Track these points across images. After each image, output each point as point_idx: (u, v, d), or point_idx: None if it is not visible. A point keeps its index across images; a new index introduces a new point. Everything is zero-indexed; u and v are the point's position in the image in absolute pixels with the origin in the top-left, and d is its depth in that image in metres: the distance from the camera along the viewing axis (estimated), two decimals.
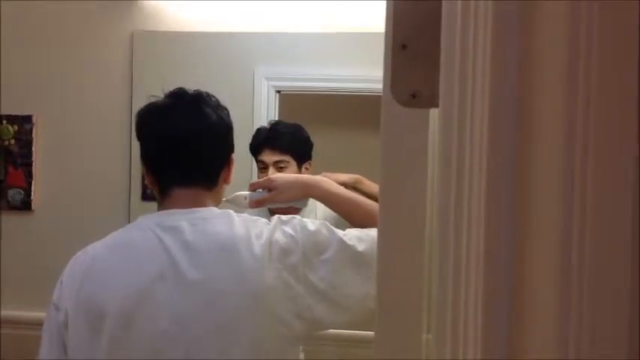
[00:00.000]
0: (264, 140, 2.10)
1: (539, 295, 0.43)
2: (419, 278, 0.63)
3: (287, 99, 2.25)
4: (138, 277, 1.22)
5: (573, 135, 0.37)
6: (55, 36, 2.23)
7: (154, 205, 2.22)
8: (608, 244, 0.39)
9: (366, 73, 1.99)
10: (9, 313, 2.18)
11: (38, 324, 2.15)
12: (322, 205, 1.86)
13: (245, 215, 1.32)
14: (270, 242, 1.23)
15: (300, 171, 2.12)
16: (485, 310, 0.45)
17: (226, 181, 1.40)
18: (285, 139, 2.11)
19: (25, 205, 2.22)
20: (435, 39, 0.45)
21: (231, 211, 1.32)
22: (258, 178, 2.09)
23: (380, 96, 0.61)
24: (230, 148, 1.40)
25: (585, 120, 0.35)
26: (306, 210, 2.14)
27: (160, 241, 1.24)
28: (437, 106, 0.45)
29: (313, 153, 2.23)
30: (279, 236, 1.25)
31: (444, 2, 0.45)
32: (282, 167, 2.09)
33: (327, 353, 1.93)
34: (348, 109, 2.32)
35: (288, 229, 1.27)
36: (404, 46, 0.51)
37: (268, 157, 2.10)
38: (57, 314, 1.30)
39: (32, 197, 2.22)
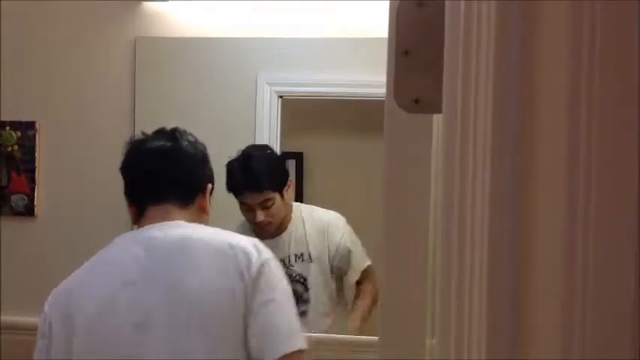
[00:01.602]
0: (243, 185, 2.06)
1: (544, 300, 0.43)
2: (423, 283, 0.63)
3: (289, 104, 2.25)
4: (103, 288, 1.33)
5: (576, 140, 0.37)
6: (58, 42, 2.23)
7: None
8: (612, 246, 0.39)
9: (369, 78, 2.00)
10: (11, 318, 2.18)
11: (34, 329, 2.16)
12: (308, 214, 2.00)
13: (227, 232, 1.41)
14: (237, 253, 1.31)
15: (283, 197, 2.10)
16: (490, 315, 0.45)
17: (204, 209, 1.48)
18: (264, 180, 2.07)
19: (28, 211, 2.22)
20: (438, 45, 0.45)
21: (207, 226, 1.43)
22: (245, 216, 2.08)
23: (382, 101, 0.61)
24: (205, 177, 1.49)
25: (588, 127, 0.35)
26: (293, 220, 2.15)
27: (129, 252, 1.36)
28: (440, 111, 0.45)
29: (314, 159, 2.23)
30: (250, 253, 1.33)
31: (447, 8, 0.45)
32: (268, 206, 2.07)
33: (331, 358, 1.92)
34: (350, 114, 2.32)
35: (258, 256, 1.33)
36: (406, 52, 0.52)
37: (252, 199, 2.06)
38: (42, 340, 1.38)
39: (35, 203, 2.22)
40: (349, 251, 2.15)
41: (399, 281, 0.65)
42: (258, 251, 1.34)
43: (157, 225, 1.38)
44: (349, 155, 2.33)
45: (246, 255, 1.31)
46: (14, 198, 2.22)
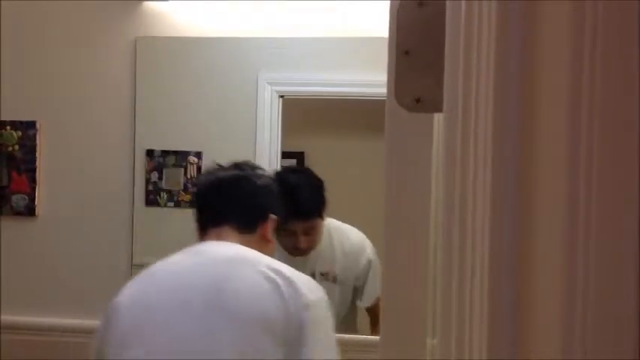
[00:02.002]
0: (292, 214, 1.93)
1: (544, 300, 0.43)
2: (424, 283, 0.63)
3: (290, 103, 2.25)
4: (144, 295, 1.45)
5: (577, 139, 0.37)
6: (59, 42, 2.23)
7: (157, 210, 2.23)
8: (613, 246, 0.39)
9: (370, 78, 1.99)
10: (12, 318, 2.18)
11: (40, 330, 2.17)
12: (336, 232, 2.03)
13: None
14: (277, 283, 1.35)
15: (323, 220, 2.09)
16: (490, 315, 0.45)
17: (266, 238, 1.54)
18: (313, 209, 2.04)
19: (29, 211, 2.22)
20: (439, 45, 0.45)
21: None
22: (282, 241, 2.00)
23: (384, 100, 0.61)
24: (269, 207, 1.55)
25: (589, 127, 0.35)
26: (322, 246, 2.13)
27: (176, 264, 1.48)
28: (441, 110, 0.45)
29: (315, 158, 2.24)
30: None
31: (447, 8, 0.45)
32: (310, 232, 2.05)
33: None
34: (351, 114, 2.32)
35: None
36: (407, 52, 0.52)
37: (298, 226, 2.02)
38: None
39: (36, 203, 2.22)
40: (369, 276, 2.13)
41: (399, 281, 0.65)
42: (310, 290, 1.37)
43: (212, 242, 1.49)
44: (350, 155, 2.33)
45: (297, 290, 1.34)
46: (15, 198, 2.22)
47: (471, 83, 0.42)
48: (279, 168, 2.15)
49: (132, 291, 1.47)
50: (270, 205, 1.55)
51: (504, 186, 0.40)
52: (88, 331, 2.15)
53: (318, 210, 2.05)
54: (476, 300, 0.46)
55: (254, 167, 1.63)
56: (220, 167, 1.62)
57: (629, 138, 0.37)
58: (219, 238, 1.49)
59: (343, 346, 1.98)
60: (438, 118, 0.53)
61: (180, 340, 1.34)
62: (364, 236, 2.16)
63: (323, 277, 2.10)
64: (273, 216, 1.54)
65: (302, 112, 2.35)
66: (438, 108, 0.45)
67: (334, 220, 2.18)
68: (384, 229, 0.59)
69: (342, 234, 2.17)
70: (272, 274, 1.35)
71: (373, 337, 2.02)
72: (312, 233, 2.06)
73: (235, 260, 1.41)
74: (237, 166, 1.61)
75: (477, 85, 0.42)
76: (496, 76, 0.40)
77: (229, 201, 1.54)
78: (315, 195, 2.06)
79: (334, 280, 2.13)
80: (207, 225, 1.52)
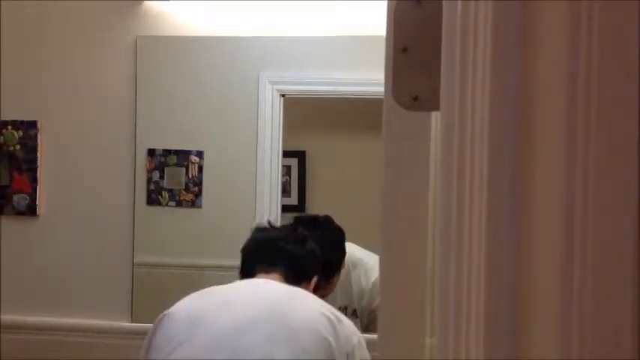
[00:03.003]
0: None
1: (542, 299, 0.43)
2: (422, 282, 0.63)
3: (291, 103, 2.25)
4: (198, 308, 1.56)
5: (574, 137, 0.37)
6: (59, 41, 2.23)
7: (158, 209, 2.23)
8: (611, 245, 0.39)
9: (371, 76, 1.99)
10: (12, 317, 2.18)
11: (41, 329, 2.17)
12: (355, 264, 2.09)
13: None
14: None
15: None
16: (488, 313, 0.45)
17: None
18: (337, 267, 2.07)
19: (31, 211, 2.22)
20: (436, 42, 0.45)
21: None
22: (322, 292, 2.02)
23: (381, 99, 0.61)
24: (312, 269, 1.71)
25: (586, 124, 0.35)
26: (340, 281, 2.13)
27: (234, 286, 1.66)
28: (438, 109, 0.45)
29: (316, 158, 2.23)
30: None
31: (444, 7, 0.45)
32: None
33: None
34: (352, 113, 2.32)
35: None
36: (405, 50, 0.51)
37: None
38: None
39: (37, 202, 2.22)
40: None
41: (398, 280, 0.65)
42: (354, 332, 1.54)
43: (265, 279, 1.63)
44: (351, 154, 2.33)
45: (346, 328, 1.51)
46: (16, 197, 2.22)
47: (467, 82, 0.42)
48: (296, 216, 2.13)
49: (185, 304, 1.57)
50: (315, 269, 1.71)
51: (502, 184, 0.40)
52: (89, 331, 2.16)
53: (340, 267, 2.05)
54: (473, 299, 0.46)
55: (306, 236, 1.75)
56: (270, 226, 1.80)
57: (626, 135, 0.37)
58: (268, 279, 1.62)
59: None
60: (435, 116, 0.53)
61: (237, 351, 1.44)
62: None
63: (343, 310, 2.09)
64: (315, 277, 1.70)
65: (303, 111, 2.34)
66: (435, 106, 0.45)
67: (356, 251, 2.16)
68: (382, 227, 0.59)
69: (361, 270, 2.16)
70: (328, 312, 1.50)
71: (372, 335, 2.01)
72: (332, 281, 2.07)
73: (296, 292, 1.56)
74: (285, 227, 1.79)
75: (474, 84, 0.42)
76: (492, 74, 0.40)
77: (278, 262, 1.66)
78: (337, 253, 2.06)
79: (354, 313, 2.14)
80: (255, 269, 1.65)
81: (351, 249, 2.12)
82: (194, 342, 1.46)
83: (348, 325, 1.54)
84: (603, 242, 0.39)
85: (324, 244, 1.87)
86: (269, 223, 1.85)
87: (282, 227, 1.86)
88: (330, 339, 1.44)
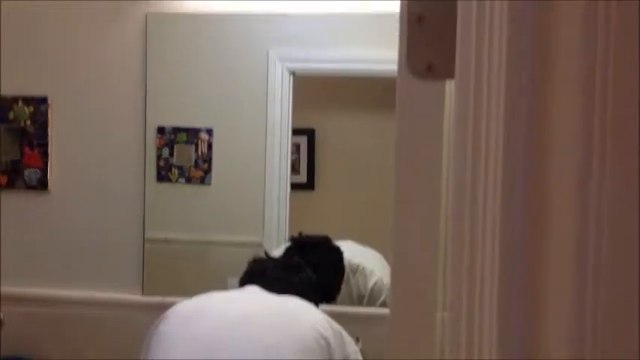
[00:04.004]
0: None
1: (555, 271, 0.42)
2: (434, 256, 0.62)
3: (301, 80, 2.24)
4: (199, 305, 1.61)
5: (591, 101, 0.36)
6: (69, 18, 2.23)
7: (168, 186, 2.24)
8: (626, 234, 0.38)
9: (381, 55, 1.97)
10: (25, 290, 2.20)
11: (52, 302, 2.19)
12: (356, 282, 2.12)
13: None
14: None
15: None
16: (501, 288, 0.44)
17: None
18: (337, 291, 2.09)
19: (42, 185, 2.23)
20: (451, 10, 0.44)
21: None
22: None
23: (395, 78, 0.60)
24: (308, 298, 1.70)
25: (604, 85, 0.35)
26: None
27: (236, 291, 1.73)
28: (453, 77, 0.44)
29: (326, 136, 2.22)
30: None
31: None
32: None
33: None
34: (362, 91, 2.31)
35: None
36: (419, 18, 0.51)
37: None
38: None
39: (48, 177, 2.23)
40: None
41: (410, 254, 0.64)
42: (350, 342, 1.59)
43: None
44: (361, 132, 2.32)
45: (344, 338, 1.55)
46: (27, 172, 2.23)
47: (483, 48, 0.42)
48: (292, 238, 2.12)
49: (186, 302, 1.59)
50: (311, 298, 1.70)
51: (517, 152, 0.40)
52: (101, 304, 2.18)
53: (341, 286, 2.05)
54: (487, 274, 0.45)
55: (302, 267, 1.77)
56: (268, 258, 1.84)
57: None
58: None
59: (353, 318, 2.00)
60: (450, 85, 0.53)
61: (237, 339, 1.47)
62: (382, 278, 2.15)
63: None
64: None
65: (313, 89, 2.33)
66: (449, 74, 0.45)
67: (354, 257, 2.16)
68: (394, 200, 0.58)
69: (360, 276, 2.17)
70: (331, 321, 1.55)
71: (383, 310, 2.02)
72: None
73: (301, 301, 1.59)
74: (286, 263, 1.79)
75: (490, 50, 0.41)
76: (509, 40, 0.39)
77: (275, 292, 1.67)
78: (337, 274, 2.05)
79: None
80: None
81: (350, 254, 2.12)
82: (195, 331, 1.48)
83: (348, 336, 1.58)
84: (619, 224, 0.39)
85: (323, 267, 1.88)
86: (265, 254, 1.88)
87: (278, 257, 1.87)
88: (331, 340, 1.47)
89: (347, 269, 2.11)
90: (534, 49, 0.38)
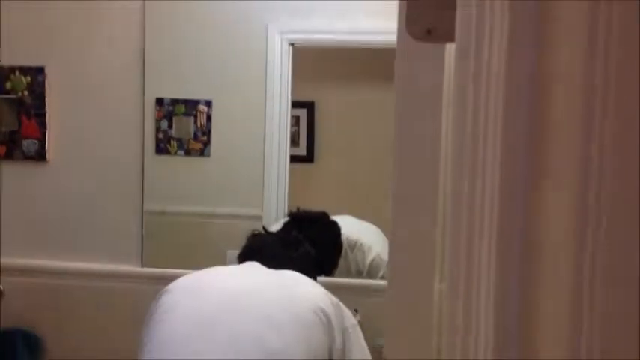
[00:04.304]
0: None
1: (553, 240, 0.42)
2: (433, 223, 0.62)
3: (300, 52, 2.22)
4: (198, 278, 1.62)
5: (593, 69, 0.35)
6: None
7: (167, 158, 2.23)
8: (624, 233, 0.38)
9: (381, 26, 1.96)
10: (24, 262, 2.21)
11: (51, 273, 2.20)
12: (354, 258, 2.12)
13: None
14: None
15: None
16: (499, 257, 0.44)
17: None
18: (335, 266, 2.10)
19: (40, 156, 2.22)
20: None
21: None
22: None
23: (395, 49, 0.59)
24: (307, 274, 1.68)
25: (606, 48, 0.34)
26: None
27: (235, 266, 1.71)
28: (453, 40, 0.44)
29: (326, 108, 2.21)
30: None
31: None
32: None
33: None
34: (362, 63, 2.29)
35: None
36: None
37: None
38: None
39: (47, 148, 2.22)
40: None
41: (408, 222, 0.64)
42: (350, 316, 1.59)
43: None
44: (361, 104, 2.31)
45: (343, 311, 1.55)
46: (26, 143, 2.22)
47: (484, 12, 0.41)
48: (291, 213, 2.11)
49: (188, 276, 1.59)
50: (310, 273, 1.68)
51: (517, 113, 0.39)
52: (100, 275, 2.19)
53: (338, 261, 2.06)
54: (484, 245, 0.45)
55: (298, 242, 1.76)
56: (267, 233, 1.83)
57: None
58: None
59: (352, 289, 2.01)
60: (449, 49, 0.52)
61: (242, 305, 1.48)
62: (380, 254, 2.15)
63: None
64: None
65: (313, 61, 2.32)
66: (449, 38, 0.44)
67: (352, 232, 2.16)
68: (394, 164, 0.58)
69: (358, 252, 2.17)
70: (331, 295, 1.55)
71: (382, 281, 2.03)
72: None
73: (301, 276, 1.59)
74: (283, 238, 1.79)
75: (492, 14, 0.40)
76: (510, 2, 0.38)
77: (273, 267, 1.66)
78: (334, 250, 2.06)
79: None
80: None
81: (348, 229, 2.12)
82: (196, 303, 1.48)
83: (346, 309, 1.58)
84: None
85: (321, 243, 1.89)
86: (264, 228, 1.88)
87: (277, 232, 1.87)
88: (330, 313, 1.48)
89: (345, 245, 2.12)
90: (536, 12, 0.37)
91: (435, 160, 0.58)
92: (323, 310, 1.48)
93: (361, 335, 1.57)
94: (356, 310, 1.92)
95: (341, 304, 1.58)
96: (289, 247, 1.74)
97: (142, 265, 2.20)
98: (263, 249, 1.72)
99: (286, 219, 2.02)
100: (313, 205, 2.12)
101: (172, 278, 1.62)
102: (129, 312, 2.07)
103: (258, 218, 2.17)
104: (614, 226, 0.39)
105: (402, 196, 0.60)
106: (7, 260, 2.18)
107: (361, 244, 2.18)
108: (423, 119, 0.54)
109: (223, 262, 2.05)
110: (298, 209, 2.08)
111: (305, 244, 1.77)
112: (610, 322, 0.38)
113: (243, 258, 1.72)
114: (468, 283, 0.48)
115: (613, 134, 0.37)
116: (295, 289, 1.54)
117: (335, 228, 2.05)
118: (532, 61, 0.37)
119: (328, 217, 2.05)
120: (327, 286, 1.65)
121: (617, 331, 0.39)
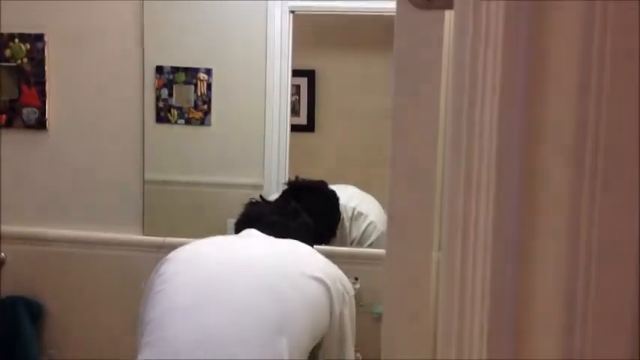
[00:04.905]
0: None
1: (549, 206, 0.42)
2: (431, 193, 0.62)
3: (301, 20, 2.20)
4: (197, 247, 1.65)
5: (590, 39, 0.35)
6: None
7: (167, 127, 2.23)
8: (621, 231, 0.38)
9: None
10: (25, 229, 2.22)
11: (52, 241, 2.21)
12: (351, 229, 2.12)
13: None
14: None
15: None
16: (496, 225, 0.44)
17: None
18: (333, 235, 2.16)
19: (40, 125, 2.22)
20: None
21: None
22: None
23: (394, 16, 0.59)
24: (304, 243, 1.72)
25: (603, 27, 0.34)
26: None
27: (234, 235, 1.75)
28: (452, 7, 0.43)
29: (326, 77, 2.20)
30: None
31: None
32: None
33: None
34: (363, 31, 2.27)
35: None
36: None
37: None
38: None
39: (47, 116, 2.22)
40: None
41: (406, 193, 0.64)
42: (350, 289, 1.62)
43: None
44: (362, 73, 2.30)
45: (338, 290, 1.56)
46: (26, 111, 2.21)
47: None
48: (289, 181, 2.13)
49: (187, 246, 1.60)
50: (307, 243, 1.69)
51: (514, 83, 0.39)
52: (101, 243, 2.20)
53: (336, 229, 2.09)
54: (481, 212, 0.45)
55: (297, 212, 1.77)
56: (264, 202, 1.84)
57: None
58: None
59: (352, 258, 2.02)
60: (449, 16, 0.51)
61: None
62: (375, 222, 2.16)
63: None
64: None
65: (313, 29, 2.30)
66: (449, 5, 0.43)
67: (351, 201, 2.17)
68: (392, 134, 0.57)
69: (354, 220, 2.18)
70: (328, 262, 1.59)
71: (375, 250, 2.04)
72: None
73: (299, 245, 1.61)
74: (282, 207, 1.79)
75: None
76: None
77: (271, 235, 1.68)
78: (332, 218, 2.09)
79: None
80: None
81: (346, 198, 2.13)
82: (196, 272, 1.50)
83: (345, 277, 1.61)
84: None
85: (319, 212, 1.89)
86: (261, 197, 1.88)
87: (275, 201, 1.87)
88: (329, 282, 1.50)
89: (343, 213, 2.12)
90: None
91: (433, 129, 0.57)
92: (323, 281, 1.49)
93: (354, 306, 1.60)
94: (356, 279, 1.94)
95: (339, 271, 1.59)
96: (287, 216, 1.74)
97: (144, 234, 2.21)
98: (261, 218, 1.72)
99: (285, 187, 2.02)
100: (314, 175, 2.13)
101: (173, 246, 1.63)
102: (130, 279, 2.08)
103: (259, 187, 2.17)
104: (609, 223, 0.39)
105: (399, 166, 0.60)
106: (8, 228, 2.19)
107: (359, 213, 2.19)
108: (421, 85, 0.54)
109: (224, 230, 2.06)
110: (297, 178, 2.08)
111: (303, 214, 1.77)
112: (604, 317, 0.39)
113: (240, 226, 1.73)
114: (464, 253, 0.48)
115: (609, 101, 0.37)
116: (295, 258, 1.55)
117: (333, 197, 2.06)
118: (530, 26, 0.37)
119: (327, 185, 2.05)
120: (327, 255, 1.66)
121: (610, 328, 0.39)
